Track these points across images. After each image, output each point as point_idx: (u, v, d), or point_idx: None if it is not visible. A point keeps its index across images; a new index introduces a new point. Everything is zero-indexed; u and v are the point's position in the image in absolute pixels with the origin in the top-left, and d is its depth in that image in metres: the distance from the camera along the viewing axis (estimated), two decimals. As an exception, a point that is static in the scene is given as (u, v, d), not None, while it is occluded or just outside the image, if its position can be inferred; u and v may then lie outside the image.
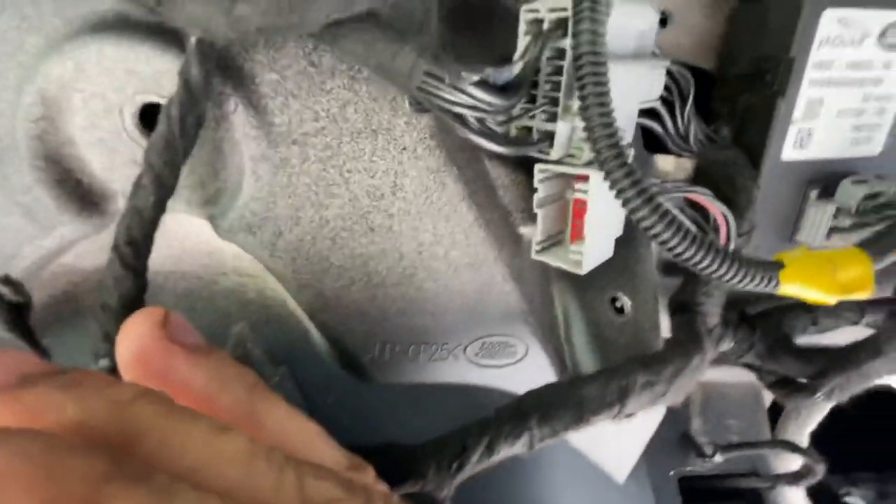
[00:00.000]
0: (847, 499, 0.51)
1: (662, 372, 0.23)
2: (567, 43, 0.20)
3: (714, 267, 0.19)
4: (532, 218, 0.26)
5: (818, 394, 0.33)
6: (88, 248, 0.21)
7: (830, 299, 0.20)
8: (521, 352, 0.27)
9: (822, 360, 0.34)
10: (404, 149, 0.21)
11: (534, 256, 0.26)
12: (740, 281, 0.19)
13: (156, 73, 0.17)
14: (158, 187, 0.16)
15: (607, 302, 0.31)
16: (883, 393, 0.51)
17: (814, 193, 0.31)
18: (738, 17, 0.31)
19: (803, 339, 0.38)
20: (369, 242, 0.22)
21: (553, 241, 0.27)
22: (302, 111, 0.19)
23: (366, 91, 0.20)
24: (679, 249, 0.19)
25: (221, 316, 0.23)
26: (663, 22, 0.32)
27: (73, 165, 0.19)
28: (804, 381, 0.36)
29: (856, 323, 0.38)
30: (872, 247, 0.20)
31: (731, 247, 0.29)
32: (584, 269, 0.25)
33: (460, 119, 0.18)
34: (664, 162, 0.34)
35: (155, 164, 0.16)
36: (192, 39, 0.16)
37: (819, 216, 0.31)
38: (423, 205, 0.22)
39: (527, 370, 0.27)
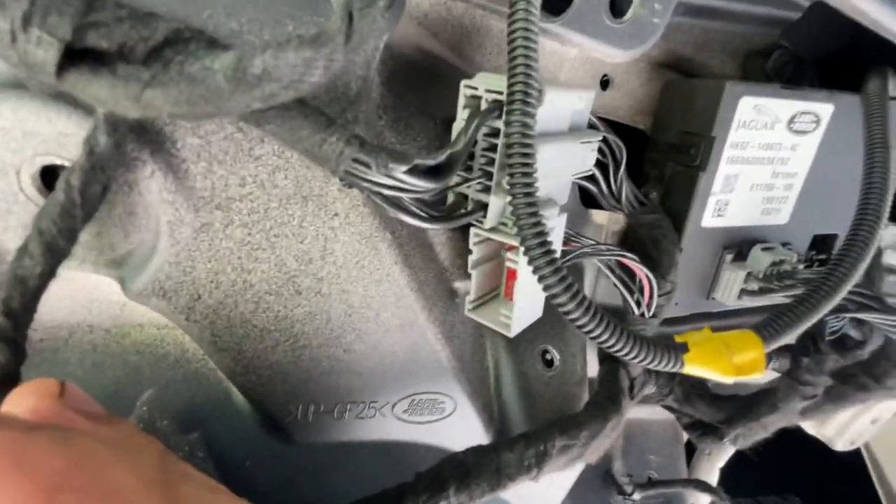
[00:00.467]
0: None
1: (579, 436, 0.24)
2: (502, 125, 0.21)
3: (625, 350, 0.20)
4: (467, 273, 0.27)
5: (725, 440, 0.36)
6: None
7: (728, 381, 0.21)
8: (449, 408, 0.27)
9: (729, 409, 0.37)
10: (336, 215, 0.21)
11: (467, 314, 0.27)
12: (649, 363, 0.21)
13: (59, 136, 0.16)
14: (48, 255, 0.15)
15: (537, 355, 0.32)
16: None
17: (729, 257, 0.34)
18: (670, 90, 0.33)
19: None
20: (295, 305, 0.22)
21: (486, 298, 0.28)
22: (227, 177, 0.19)
23: (297, 158, 0.19)
24: (594, 333, 0.20)
25: (131, 372, 0.22)
26: (605, 85, 0.34)
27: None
28: (715, 424, 0.39)
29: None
30: (763, 331, 0.22)
31: (654, 305, 0.31)
32: (513, 333, 0.25)
33: (389, 200, 0.18)
34: (599, 216, 0.36)
35: (46, 231, 0.15)
36: (100, 110, 0.15)
37: (732, 278, 0.33)
38: (354, 269, 0.22)
39: (455, 425, 0.28)
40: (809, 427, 0.52)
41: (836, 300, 0.24)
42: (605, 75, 0.34)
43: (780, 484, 0.69)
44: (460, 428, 0.28)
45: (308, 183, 0.20)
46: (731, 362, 0.21)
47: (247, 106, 0.14)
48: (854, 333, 0.30)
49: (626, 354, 0.20)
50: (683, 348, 0.21)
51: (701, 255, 0.33)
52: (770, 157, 0.32)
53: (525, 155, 0.19)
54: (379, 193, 0.18)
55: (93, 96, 0.13)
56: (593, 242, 0.30)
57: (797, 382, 0.31)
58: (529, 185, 0.19)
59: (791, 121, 0.31)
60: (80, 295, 0.21)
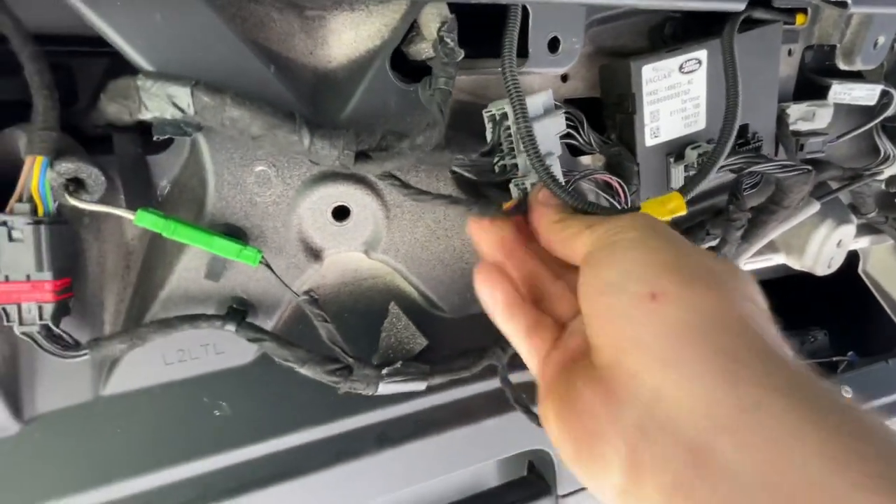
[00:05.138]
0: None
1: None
2: (511, 122, 0.42)
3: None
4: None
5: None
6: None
7: (666, 218, 0.41)
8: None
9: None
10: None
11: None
12: (618, 220, 0.41)
13: (342, 192, 0.39)
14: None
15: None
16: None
17: (671, 160, 0.53)
18: (603, 71, 0.53)
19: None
20: (438, 245, 0.44)
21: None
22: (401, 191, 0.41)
23: (425, 176, 0.41)
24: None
25: (370, 300, 0.45)
26: (565, 78, 0.54)
27: (309, 242, 0.40)
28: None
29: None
30: (682, 189, 0.42)
31: (629, 201, 0.51)
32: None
33: (472, 174, 0.40)
34: (586, 159, 0.56)
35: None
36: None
37: (678, 173, 0.53)
38: (459, 223, 0.44)
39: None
40: (795, 264, 0.69)
41: (718, 163, 0.43)
42: (565, 74, 0.54)
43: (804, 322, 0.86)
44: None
45: (434, 185, 0.42)
46: (665, 209, 0.41)
47: (417, 157, 0.36)
48: (753, 181, 0.49)
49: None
50: (638, 208, 0.41)
51: (654, 165, 0.53)
52: (676, 93, 0.51)
53: (529, 133, 0.39)
54: (469, 170, 0.39)
55: (365, 170, 0.36)
56: (582, 170, 0.50)
57: (728, 220, 0.50)
58: (534, 145, 0.39)
59: (681, 68, 0.50)
60: (338, 268, 0.44)
